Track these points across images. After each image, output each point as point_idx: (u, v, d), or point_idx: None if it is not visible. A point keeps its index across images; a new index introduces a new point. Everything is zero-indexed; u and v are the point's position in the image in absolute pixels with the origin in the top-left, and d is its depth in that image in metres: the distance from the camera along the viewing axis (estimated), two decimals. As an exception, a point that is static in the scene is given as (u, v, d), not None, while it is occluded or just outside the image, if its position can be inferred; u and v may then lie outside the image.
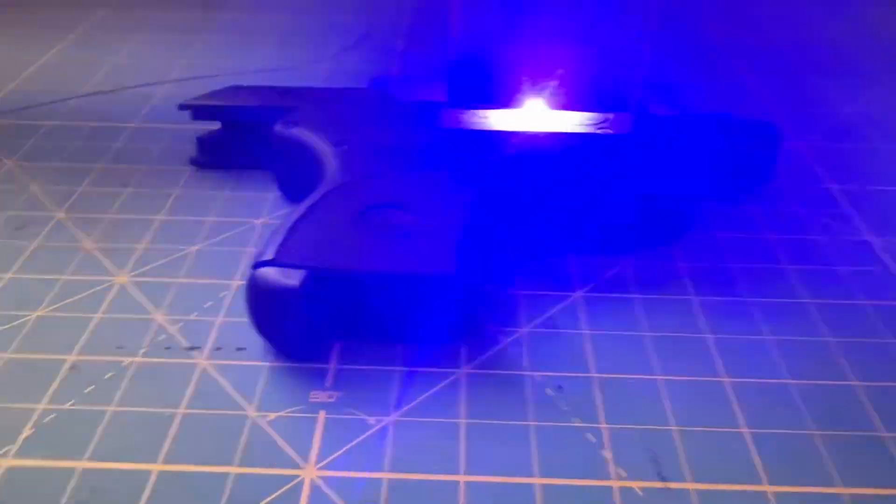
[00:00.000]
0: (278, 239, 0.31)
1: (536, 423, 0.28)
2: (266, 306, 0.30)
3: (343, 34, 0.61)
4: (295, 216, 0.32)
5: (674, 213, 0.36)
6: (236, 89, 0.43)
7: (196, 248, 0.37)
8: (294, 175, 0.39)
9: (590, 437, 0.28)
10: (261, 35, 0.61)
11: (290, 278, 0.29)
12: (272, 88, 0.43)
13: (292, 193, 0.40)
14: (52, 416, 0.28)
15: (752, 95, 0.52)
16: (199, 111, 0.42)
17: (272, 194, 0.41)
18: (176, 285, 0.35)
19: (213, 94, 0.42)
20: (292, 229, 0.31)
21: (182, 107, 0.42)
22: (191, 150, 0.44)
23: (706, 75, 0.55)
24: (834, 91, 0.53)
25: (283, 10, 0.66)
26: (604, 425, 0.28)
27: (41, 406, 0.28)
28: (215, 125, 0.43)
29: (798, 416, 0.29)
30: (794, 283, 0.35)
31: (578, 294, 0.35)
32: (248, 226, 0.39)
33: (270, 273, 0.29)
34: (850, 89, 0.53)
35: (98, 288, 0.34)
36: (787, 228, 0.39)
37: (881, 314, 0.34)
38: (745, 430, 0.28)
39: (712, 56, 0.58)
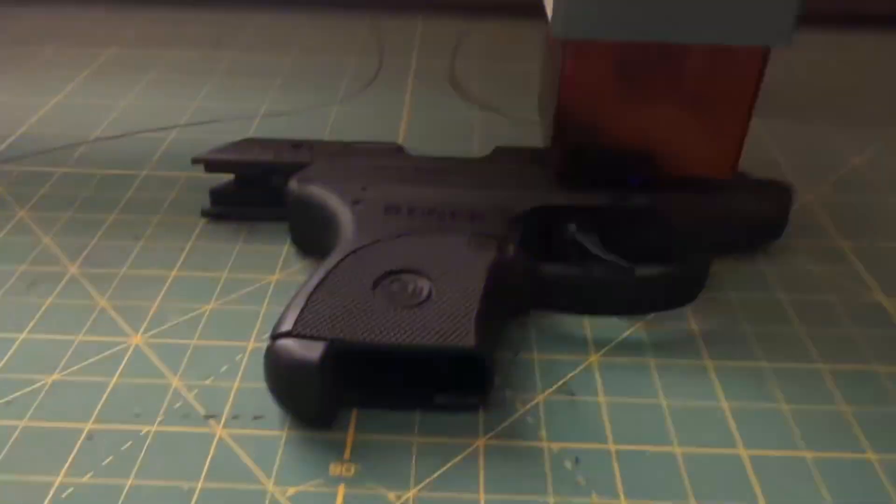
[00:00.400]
0: (297, 309, 0.31)
1: (555, 497, 0.28)
2: (286, 379, 0.30)
3: (354, 76, 0.61)
4: (312, 283, 0.32)
5: (689, 272, 0.36)
6: (249, 142, 0.43)
7: (210, 306, 0.37)
8: (309, 231, 0.39)
9: (609, 514, 0.28)
10: (271, 76, 0.61)
11: (310, 351, 0.29)
12: (285, 141, 0.43)
13: (306, 247, 0.41)
14: (70, 490, 0.28)
15: (759, 143, 0.52)
16: (212, 165, 0.42)
17: (285, 248, 0.41)
18: (191, 347, 0.35)
19: (226, 148, 0.42)
20: (310, 299, 0.31)
21: (196, 161, 0.42)
22: (202, 199, 0.44)
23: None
24: (843, 140, 0.53)
25: (293, 49, 0.66)
26: (623, 501, 0.28)
27: (59, 479, 0.28)
28: (228, 175, 0.43)
29: (816, 492, 0.29)
30: (809, 346, 0.35)
31: (593, 358, 0.35)
32: (262, 283, 0.39)
33: (290, 345, 0.29)
34: (859, 138, 0.53)
35: (114, 349, 0.34)
36: (800, 288, 0.39)
37: (894, 380, 0.34)
38: (764, 506, 0.28)
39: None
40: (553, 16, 0.34)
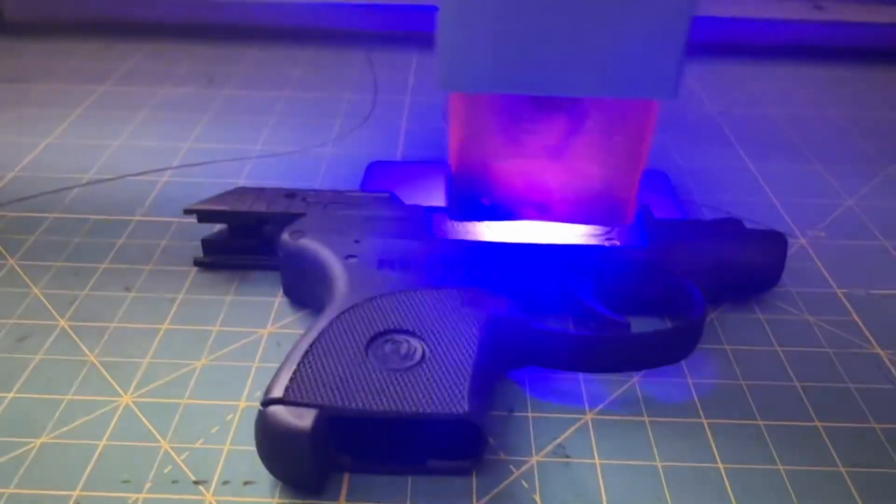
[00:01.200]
0: (288, 373, 0.30)
1: (550, 569, 0.28)
2: (276, 447, 0.29)
3: (348, 113, 0.61)
4: (304, 346, 0.32)
5: (684, 327, 0.36)
6: (242, 191, 0.43)
7: (201, 362, 0.37)
8: (301, 284, 0.39)
9: (605, 586, 0.27)
10: (265, 114, 0.61)
11: (301, 419, 0.29)
12: (278, 190, 0.42)
13: (299, 299, 0.40)
14: (57, 564, 0.28)
15: (753, 183, 0.52)
16: (204, 215, 0.41)
17: (278, 298, 0.41)
18: (182, 407, 0.34)
19: (219, 198, 0.42)
20: (301, 363, 0.31)
21: (188, 211, 0.41)
22: (195, 246, 0.43)
23: (714, 158, 0.55)
24: (838, 180, 0.53)
25: (287, 86, 0.66)
26: (619, 572, 0.28)
27: (45, 552, 0.28)
28: (220, 225, 0.43)
29: (815, 560, 0.28)
30: (806, 403, 0.35)
31: (588, 416, 0.34)
32: (254, 336, 0.38)
33: (281, 412, 0.29)
34: (854, 178, 0.53)
35: (103, 409, 0.34)
36: (797, 339, 0.39)
37: (894, 440, 0.33)
38: (761, 577, 0.28)
39: (720, 136, 0.59)
40: (438, 69, 0.34)
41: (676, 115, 0.61)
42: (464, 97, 0.36)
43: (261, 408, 0.30)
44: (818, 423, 0.34)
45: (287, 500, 0.30)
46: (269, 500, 0.30)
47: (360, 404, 0.29)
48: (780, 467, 0.32)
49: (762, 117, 0.62)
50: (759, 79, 0.69)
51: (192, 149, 0.55)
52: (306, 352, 0.31)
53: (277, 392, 0.30)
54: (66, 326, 0.39)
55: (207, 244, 0.43)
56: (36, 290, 0.41)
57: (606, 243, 0.38)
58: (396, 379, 0.30)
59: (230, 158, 0.54)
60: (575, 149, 0.37)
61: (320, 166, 0.53)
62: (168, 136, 0.57)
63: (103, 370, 0.36)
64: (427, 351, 0.32)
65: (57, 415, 0.34)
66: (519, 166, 0.37)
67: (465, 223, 0.39)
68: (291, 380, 0.30)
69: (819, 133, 0.60)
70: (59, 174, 0.52)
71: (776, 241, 0.40)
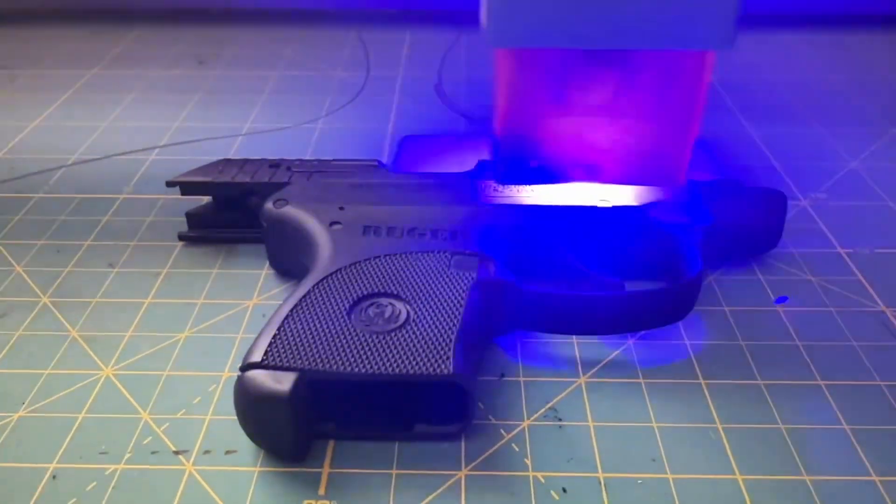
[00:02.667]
0: (267, 338, 0.29)
1: (541, 532, 0.27)
2: (256, 412, 0.28)
3: (340, 90, 0.60)
4: (285, 310, 0.31)
5: (681, 289, 0.35)
6: (226, 162, 0.42)
7: (185, 334, 0.36)
8: (287, 253, 0.38)
9: (598, 548, 0.26)
10: (255, 93, 0.60)
11: (280, 383, 0.28)
12: (263, 161, 0.41)
13: (285, 270, 0.39)
14: (31, 536, 0.27)
15: (754, 148, 0.51)
16: (187, 188, 0.40)
17: (264, 271, 0.40)
18: (164, 378, 0.33)
19: (202, 169, 0.41)
20: (282, 326, 0.30)
21: (170, 184, 0.40)
22: (180, 223, 0.42)
23: (715, 124, 0.54)
24: (840, 143, 0.52)
25: (278, 65, 0.65)
26: (613, 534, 0.27)
27: (20, 524, 0.27)
28: (205, 197, 0.42)
29: (818, 518, 0.27)
30: (809, 361, 0.34)
31: (581, 379, 0.33)
32: (239, 308, 0.37)
33: (259, 377, 0.28)
34: (856, 141, 0.52)
35: (83, 383, 0.33)
36: (799, 299, 0.37)
37: (899, 396, 0.32)
38: (762, 536, 0.27)
39: (721, 103, 0.57)
40: (485, 25, 0.33)
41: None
42: (511, 54, 0.35)
43: (239, 373, 0.29)
44: (821, 382, 0.33)
45: (269, 469, 0.29)
46: (251, 468, 0.29)
47: (342, 367, 0.28)
48: (782, 426, 0.31)
49: (763, 84, 0.61)
50: (758, 47, 0.67)
51: (181, 128, 0.54)
52: (287, 316, 0.30)
53: (256, 356, 0.29)
54: (48, 303, 0.38)
55: (192, 218, 0.42)
56: (18, 268, 0.40)
57: (599, 204, 0.37)
58: (380, 341, 0.29)
59: (219, 136, 0.53)
60: (627, 106, 0.35)
61: (309, 141, 0.52)
62: (156, 116, 0.56)
63: (84, 344, 0.35)
64: (412, 313, 0.31)
65: (35, 389, 0.33)
66: (568, 126, 0.36)
67: (507, 186, 0.38)
68: (271, 344, 0.29)
69: (821, 98, 0.58)
70: (46, 156, 0.51)
71: (775, 200, 0.38)
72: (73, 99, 0.59)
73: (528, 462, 0.29)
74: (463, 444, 0.30)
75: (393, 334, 0.30)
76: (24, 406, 0.32)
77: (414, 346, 0.29)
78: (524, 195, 0.37)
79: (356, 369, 0.28)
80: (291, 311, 0.31)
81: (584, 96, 0.35)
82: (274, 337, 0.29)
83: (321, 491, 0.28)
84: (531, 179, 0.37)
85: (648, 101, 0.35)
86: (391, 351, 0.29)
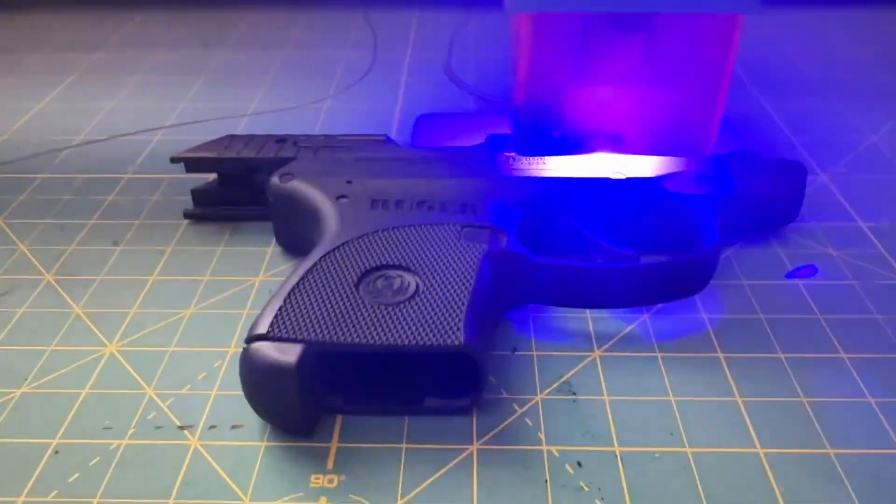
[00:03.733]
0: (273, 310, 0.29)
1: (556, 507, 0.26)
2: (261, 385, 0.28)
3: (347, 71, 0.59)
4: (291, 283, 0.30)
5: (698, 260, 0.34)
6: (231, 138, 0.41)
7: (190, 311, 0.35)
8: (293, 228, 0.37)
9: (615, 522, 0.25)
10: (261, 73, 0.59)
11: (286, 354, 0.27)
12: (268, 136, 0.41)
13: (291, 246, 0.38)
14: (33, 510, 0.26)
15: (772, 124, 0.50)
16: (192, 164, 0.40)
17: (271, 248, 0.39)
18: (168, 354, 0.33)
19: (207, 145, 0.40)
20: (288, 298, 0.29)
21: (174, 160, 0.40)
22: (185, 202, 0.42)
23: (729, 100, 0.53)
24: (860, 117, 0.50)
25: (284, 46, 0.64)
26: (630, 508, 0.26)
27: (21, 499, 0.26)
28: (211, 175, 0.41)
29: (843, 492, 0.26)
30: (830, 334, 0.33)
31: (596, 353, 0.32)
32: (245, 285, 0.37)
33: (265, 348, 0.27)
34: (877, 115, 0.50)
35: (87, 359, 0.32)
36: (820, 273, 0.36)
37: (926, 369, 0.31)
38: (785, 509, 0.26)
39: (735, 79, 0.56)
40: None
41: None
42: (532, 19, 0.33)
43: (245, 344, 0.28)
44: (844, 355, 0.32)
45: (276, 443, 0.28)
46: (258, 443, 0.28)
47: (350, 338, 0.28)
48: (804, 399, 0.30)
49: (779, 60, 0.59)
50: (774, 23, 0.66)
51: (186, 109, 0.54)
52: (293, 288, 0.30)
53: (262, 328, 0.28)
54: (52, 280, 0.37)
55: (197, 195, 0.41)
56: (22, 247, 0.40)
57: (613, 175, 0.36)
58: (388, 313, 0.29)
59: (225, 116, 0.52)
60: (651, 73, 0.34)
61: (316, 121, 0.51)
62: (161, 98, 0.55)
63: (88, 321, 0.35)
64: (421, 285, 0.30)
65: (38, 365, 0.32)
66: (591, 94, 0.35)
67: (527, 157, 0.37)
68: (276, 316, 0.28)
69: (839, 73, 0.57)
70: (51, 137, 0.50)
71: (794, 171, 0.37)
72: (77, 82, 0.58)
73: (542, 436, 0.28)
74: (474, 418, 0.29)
75: (402, 306, 0.29)
76: (26, 382, 0.31)
77: (423, 317, 0.28)
78: (540, 167, 0.36)
79: (364, 340, 0.28)
80: (298, 283, 0.30)
81: (607, 63, 0.34)
82: (280, 309, 0.29)
83: (329, 465, 0.28)
84: (552, 150, 0.36)
85: (674, 68, 0.34)
86: (400, 322, 0.28)
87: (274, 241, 0.39)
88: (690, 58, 0.34)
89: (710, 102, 0.35)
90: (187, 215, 0.41)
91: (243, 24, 0.69)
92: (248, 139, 0.41)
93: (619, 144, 0.36)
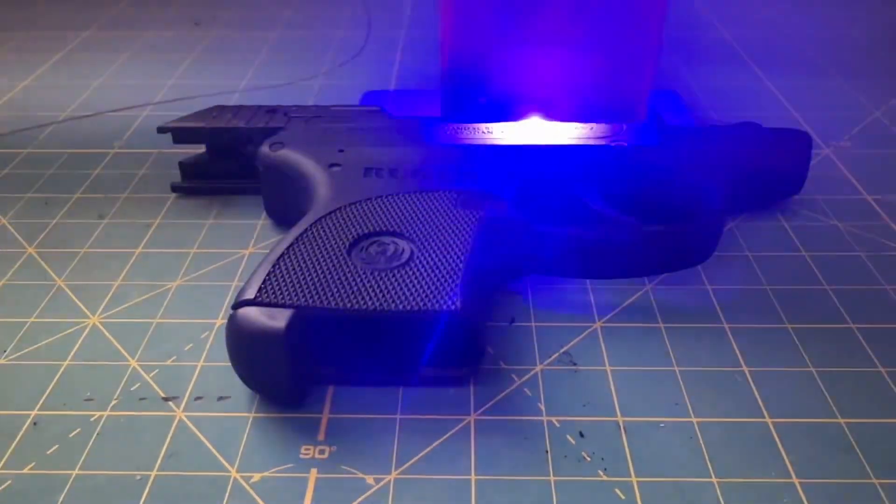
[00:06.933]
0: (262, 275, 0.27)
1: (557, 477, 0.25)
2: (249, 350, 0.26)
3: (340, 49, 0.58)
4: (280, 248, 0.29)
5: (700, 229, 0.33)
6: (220, 109, 0.40)
7: (176, 283, 0.34)
8: (283, 199, 0.36)
9: (618, 493, 0.24)
10: (253, 52, 0.58)
11: (274, 319, 0.26)
12: (258, 107, 0.40)
13: (282, 219, 0.37)
14: (8, 482, 0.25)
15: (773, 100, 0.49)
16: (179, 134, 0.38)
17: (261, 221, 0.38)
18: (153, 326, 0.31)
19: (195, 115, 0.39)
20: (277, 263, 0.28)
21: (161, 129, 0.38)
22: (174, 175, 0.41)
23: (729, 78, 0.52)
24: (865, 93, 0.49)
25: (277, 25, 0.63)
26: (634, 479, 0.25)
27: (-3, 471, 0.25)
28: (200, 148, 0.40)
29: (853, 461, 0.25)
30: (838, 304, 0.32)
31: (597, 324, 0.31)
32: (234, 257, 0.35)
33: (252, 313, 0.26)
34: (880, 91, 0.49)
35: (68, 331, 0.31)
36: (825, 245, 0.35)
37: (937, 339, 0.30)
38: (795, 480, 0.24)
39: (735, 58, 0.55)
40: None
41: (687, 41, 0.58)
42: None
43: (232, 310, 0.27)
44: (853, 325, 0.31)
45: (264, 414, 0.27)
46: (246, 414, 0.27)
47: (341, 303, 0.26)
48: (812, 369, 0.29)
49: (780, 38, 0.58)
50: (775, 2, 0.65)
51: (176, 85, 0.53)
52: (283, 254, 0.28)
53: (250, 293, 0.27)
54: (34, 253, 0.36)
55: (186, 168, 0.40)
56: (3, 220, 0.38)
57: (613, 144, 0.35)
58: (381, 279, 0.27)
59: (215, 93, 0.51)
60: (580, 34, 0.33)
61: (308, 98, 0.50)
62: (150, 75, 0.54)
63: (70, 293, 0.33)
64: (416, 251, 0.29)
65: (18, 337, 0.31)
66: (519, 56, 0.33)
67: (462, 127, 0.36)
68: (265, 281, 0.27)
69: (841, 50, 0.56)
70: (36, 113, 0.49)
71: (799, 140, 0.36)
72: (65, 59, 0.57)
73: (542, 406, 0.27)
74: (472, 389, 0.28)
75: (395, 272, 0.28)
76: (5, 354, 0.30)
77: (417, 282, 0.27)
78: (487, 135, 0.35)
79: (356, 306, 0.26)
80: (287, 248, 0.29)
81: (532, 24, 0.33)
82: (269, 274, 0.28)
83: (320, 437, 0.26)
84: (479, 117, 0.35)
85: (603, 29, 0.32)
86: (393, 288, 0.27)
87: (264, 213, 0.38)
88: (620, 18, 0.32)
89: (641, 66, 0.33)
90: (175, 189, 0.40)
91: (234, 4, 0.68)
92: (238, 109, 0.39)
93: (548, 110, 0.35)
